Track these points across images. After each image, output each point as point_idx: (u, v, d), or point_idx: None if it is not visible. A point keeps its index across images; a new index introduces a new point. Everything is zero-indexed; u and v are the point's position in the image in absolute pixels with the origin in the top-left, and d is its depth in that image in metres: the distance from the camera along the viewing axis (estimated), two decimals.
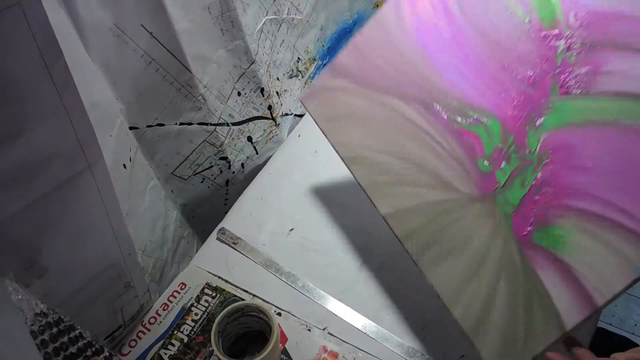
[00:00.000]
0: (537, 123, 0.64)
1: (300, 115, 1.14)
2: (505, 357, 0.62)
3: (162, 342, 0.82)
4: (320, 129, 0.81)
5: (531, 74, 0.65)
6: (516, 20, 0.66)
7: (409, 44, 0.74)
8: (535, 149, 0.64)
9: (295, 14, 1.03)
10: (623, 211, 0.56)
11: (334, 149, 0.80)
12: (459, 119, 0.69)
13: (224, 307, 0.76)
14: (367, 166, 0.75)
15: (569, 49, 0.63)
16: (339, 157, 0.80)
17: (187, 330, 0.83)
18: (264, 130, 1.05)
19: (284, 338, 0.81)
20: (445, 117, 0.70)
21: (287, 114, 1.11)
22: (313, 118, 0.82)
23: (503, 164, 0.66)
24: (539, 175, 0.63)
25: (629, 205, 0.56)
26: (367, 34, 0.78)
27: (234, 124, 0.97)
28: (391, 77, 0.75)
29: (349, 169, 0.78)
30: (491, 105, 0.67)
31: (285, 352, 0.80)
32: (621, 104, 0.57)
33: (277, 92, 1.05)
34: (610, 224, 0.57)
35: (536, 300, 0.60)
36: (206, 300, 0.86)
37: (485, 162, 0.67)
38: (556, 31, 0.64)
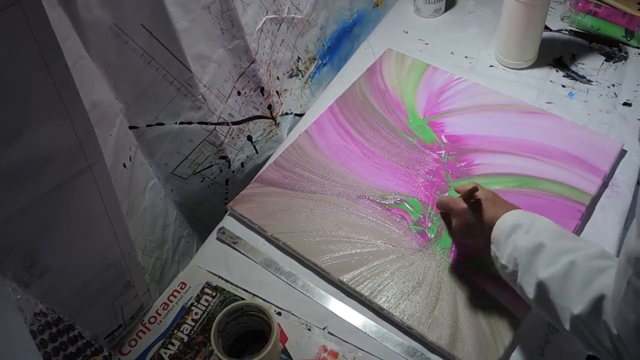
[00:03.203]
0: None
1: (300, 115, 1.14)
2: (483, 357, 0.76)
3: (162, 341, 0.82)
4: (257, 227, 0.92)
5: (428, 170, 0.98)
6: (407, 141, 1.03)
7: (328, 159, 1.00)
8: None
9: (295, 13, 1.03)
10: None
11: (274, 241, 0.91)
12: (385, 201, 0.94)
13: (224, 307, 0.76)
14: (312, 245, 0.89)
15: (448, 154, 1.00)
16: (280, 247, 0.90)
17: (187, 329, 0.83)
18: (264, 129, 1.05)
19: (284, 337, 0.81)
20: (375, 202, 0.94)
21: (287, 113, 1.11)
22: (247, 218, 0.93)
23: (429, 224, 0.91)
24: None
25: None
26: (287, 155, 1.02)
27: (233, 123, 0.97)
28: (317, 182, 0.97)
29: (295, 253, 0.89)
30: (407, 190, 0.96)
31: (285, 351, 0.80)
32: (489, 179, 0.95)
33: (277, 92, 1.05)
34: None
35: (489, 307, 0.80)
36: (206, 300, 0.86)
37: (416, 226, 0.91)
38: (436, 146, 1.01)
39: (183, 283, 0.88)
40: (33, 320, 0.56)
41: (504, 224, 0.74)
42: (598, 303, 0.58)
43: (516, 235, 0.71)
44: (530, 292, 0.68)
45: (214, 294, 0.87)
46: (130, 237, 0.75)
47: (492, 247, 0.75)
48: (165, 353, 0.81)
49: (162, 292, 0.88)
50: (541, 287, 0.65)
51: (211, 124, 0.93)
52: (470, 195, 0.81)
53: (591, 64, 1.13)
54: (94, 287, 0.72)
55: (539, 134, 1.00)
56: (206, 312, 0.85)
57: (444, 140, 1.02)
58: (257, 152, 1.06)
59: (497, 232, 0.74)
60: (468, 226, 0.80)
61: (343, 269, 0.86)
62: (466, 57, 1.18)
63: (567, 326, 0.63)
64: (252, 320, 0.78)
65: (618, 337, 0.56)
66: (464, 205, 0.81)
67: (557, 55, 1.15)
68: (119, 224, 0.71)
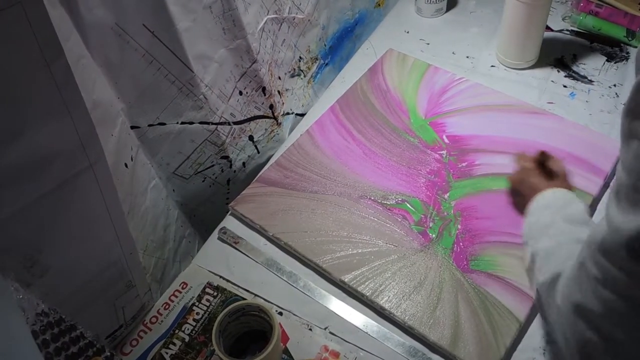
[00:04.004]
0: (446, 197, 0.94)
1: (302, 115, 1.14)
2: (485, 357, 0.76)
3: (163, 341, 0.82)
4: (258, 227, 0.92)
5: (429, 170, 0.98)
6: (408, 141, 1.02)
7: (329, 159, 1.00)
8: (450, 212, 0.92)
9: (297, 13, 1.03)
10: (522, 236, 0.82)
11: (275, 241, 0.91)
12: (387, 201, 0.94)
13: (225, 307, 0.76)
14: (314, 245, 0.89)
15: (449, 154, 1.00)
16: (281, 247, 0.90)
17: (188, 329, 0.83)
18: (266, 129, 1.05)
19: (285, 337, 0.81)
20: (376, 202, 0.94)
21: (288, 113, 1.11)
22: (248, 218, 0.93)
23: (431, 224, 0.91)
24: (459, 227, 0.90)
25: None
26: (289, 155, 1.02)
27: (235, 123, 0.97)
28: (319, 182, 0.97)
29: (296, 253, 0.89)
30: (409, 190, 0.95)
31: (286, 351, 0.80)
32: (490, 179, 0.95)
33: (278, 91, 1.05)
34: (518, 246, 0.80)
35: (490, 307, 0.81)
36: (207, 300, 0.86)
37: (417, 226, 0.91)
38: (438, 146, 1.01)
39: (184, 283, 0.88)
40: (35, 320, 0.56)
41: (542, 199, 0.75)
42: (556, 278, 0.61)
43: (545, 212, 0.74)
44: (526, 260, 0.72)
45: (215, 293, 0.87)
46: (132, 237, 0.75)
47: (525, 218, 0.77)
48: (167, 353, 0.81)
49: (164, 292, 0.88)
50: (532, 259, 0.70)
51: (213, 123, 0.93)
52: (543, 158, 0.83)
53: (592, 64, 1.13)
54: (95, 287, 0.72)
55: (540, 134, 1.00)
56: (207, 312, 0.85)
57: (446, 140, 1.02)
58: (258, 152, 1.06)
59: (533, 205, 0.76)
60: (520, 185, 0.82)
61: (344, 269, 0.85)
62: (467, 57, 1.18)
63: (534, 295, 0.69)
64: (254, 320, 0.78)
65: (559, 308, 0.58)
66: (531, 164, 0.83)
67: (559, 55, 1.15)
68: (120, 224, 0.71)
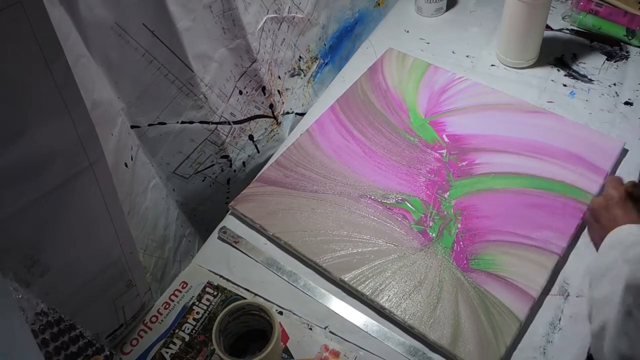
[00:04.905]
0: (446, 196, 0.94)
1: (302, 114, 1.14)
2: (485, 356, 0.76)
3: (163, 341, 0.82)
4: (258, 226, 0.92)
5: (430, 169, 0.98)
6: (408, 141, 1.02)
7: (329, 158, 1.00)
8: (451, 211, 0.92)
9: (296, 13, 1.03)
10: (522, 235, 0.87)
11: (275, 240, 0.91)
12: (387, 200, 0.94)
13: (226, 306, 0.76)
14: (314, 244, 0.89)
15: (449, 153, 1.00)
16: (281, 246, 0.91)
17: (188, 329, 0.83)
18: (266, 128, 1.05)
19: (285, 337, 0.81)
20: (376, 201, 0.94)
21: (288, 113, 1.11)
22: (248, 218, 0.93)
23: (431, 224, 0.91)
24: (459, 226, 0.90)
25: (524, 231, 0.87)
26: (288, 154, 1.02)
27: (235, 123, 0.97)
28: (319, 182, 0.97)
29: (296, 252, 0.89)
30: (409, 190, 0.95)
31: (286, 350, 0.80)
32: (490, 179, 0.95)
33: (278, 91, 1.05)
34: (518, 245, 0.86)
35: (490, 305, 0.81)
36: (207, 299, 0.86)
37: (417, 225, 0.91)
38: (438, 145, 1.01)
39: (184, 282, 0.88)
40: (34, 319, 0.56)
41: (617, 234, 0.72)
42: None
43: (612, 251, 0.70)
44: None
45: (215, 293, 0.87)
46: (132, 237, 0.75)
47: (599, 249, 0.74)
48: (167, 352, 0.81)
49: (164, 291, 0.88)
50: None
51: (213, 123, 0.93)
52: (633, 188, 0.78)
53: (592, 63, 1.13)
54: (95, 287, 0.72)
55: (540, 133, 1.00)
56: (207, 312, 0.85)
57: (446, 139, 1.02)
58: (258, 152, 1.06)
59: (607, 239, 0.73)
60: (602, 212, 0.78)
61: (344, 268, 0.85)
62: (467, 56, 1.18)
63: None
64: (254, 319, 0.78)
65: None
66: (621, 192, 0.79)
67: (559, 54, 1.15)
68: (120, 224, 0.71)
